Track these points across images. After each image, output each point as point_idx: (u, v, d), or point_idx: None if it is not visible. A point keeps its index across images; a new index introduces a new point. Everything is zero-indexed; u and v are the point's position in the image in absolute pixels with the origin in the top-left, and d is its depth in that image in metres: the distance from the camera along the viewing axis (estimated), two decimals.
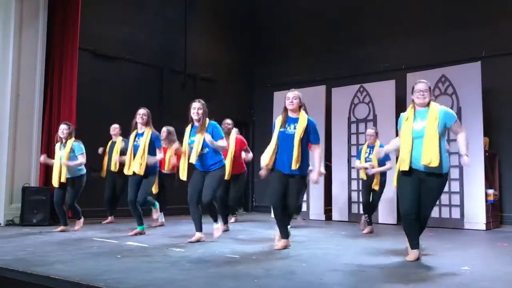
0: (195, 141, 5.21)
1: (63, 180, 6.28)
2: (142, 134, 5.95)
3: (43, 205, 7.16)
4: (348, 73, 9.71)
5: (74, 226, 6.46)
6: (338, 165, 9.07)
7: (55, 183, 6.35)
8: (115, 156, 7.17)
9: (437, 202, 7.87)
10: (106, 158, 7.77)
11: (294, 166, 4.67)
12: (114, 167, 7.50)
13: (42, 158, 6.65)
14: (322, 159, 4.98)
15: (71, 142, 6.33)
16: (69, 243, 5.26)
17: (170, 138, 7.22)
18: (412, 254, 4.28)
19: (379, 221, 8.38)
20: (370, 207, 6.79)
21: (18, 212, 7.21)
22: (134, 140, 5.96)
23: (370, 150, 6.73)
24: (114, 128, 7.79)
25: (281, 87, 10.42)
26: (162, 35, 10.09)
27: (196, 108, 5.32)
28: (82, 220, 6.56)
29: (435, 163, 4.02)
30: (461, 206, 7.60)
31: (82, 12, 7.86)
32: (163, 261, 4.07)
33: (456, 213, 7.64)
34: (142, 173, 5.85)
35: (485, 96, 7.67)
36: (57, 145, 6.47)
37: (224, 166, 5.42)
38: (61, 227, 6.42)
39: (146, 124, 5.96)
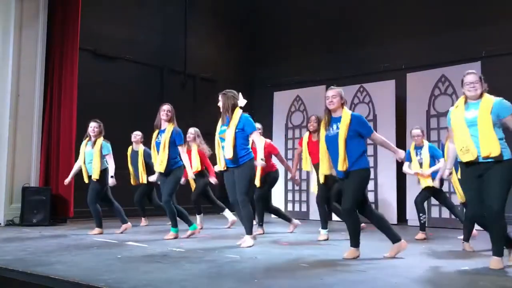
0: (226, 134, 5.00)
1: (92, 176, 6.17)
2: (164, 130, 5.72)
3: (43, 205, 7.17)
4: (348, 73, 9.71)
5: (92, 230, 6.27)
6: None
7: (85, 179, 6.24)
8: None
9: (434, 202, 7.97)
10: (130, 166, 7.46)
11: (341, 167, 4.32)
12: (141, 180, 7.25)
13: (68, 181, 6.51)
14: (387, 140, 4.66)
15: (100, 140, 6.25)
16: (69, 243, 5.26)
17: (198, 140, 7.04)
18: (496, 261, 3.86)
19: None
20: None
21: (18, 212, 7.22)
22: (156, 137, 5.77)
23: (417, 152, 6.29)
24: (136, 136, 7.45)
25: (281, 87, 10.45)
26: (162, 35, 10.09)
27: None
28: (99, 229, 6.24)
29: (495, 152, 3.75)
30: (461, 206, 7.58)
31: (82, 12, 7.87)
32: (163, 261, 4.07)
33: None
34: (163, 170, 5.64)
35: None
36: (84, 142, 6.36)
37: (252, 158, 5.11)
38: (97, 230, 6.21)
39: (169, 120, 5.74)
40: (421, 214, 6.26)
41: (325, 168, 4.83)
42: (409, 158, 6.27)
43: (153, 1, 10.00)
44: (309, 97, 9.60)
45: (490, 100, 3.91)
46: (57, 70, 7.86)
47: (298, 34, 10.86)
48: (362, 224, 6.41)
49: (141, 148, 7.37)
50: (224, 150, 5.04)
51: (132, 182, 7.46)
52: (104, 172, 6.20)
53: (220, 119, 5.25)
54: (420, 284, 3.35)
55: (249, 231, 5.07)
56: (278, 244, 5.44)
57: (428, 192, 6.26)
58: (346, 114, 4.46)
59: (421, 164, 6.24)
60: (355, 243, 4.44)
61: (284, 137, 10.03)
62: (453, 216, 7.62)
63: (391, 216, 8.32)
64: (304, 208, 9.56)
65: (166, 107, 5.77)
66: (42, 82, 7.78)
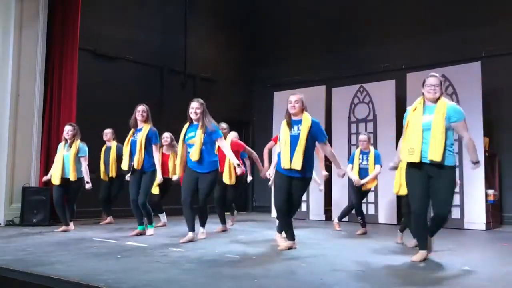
0: (196, 137, 5.24)
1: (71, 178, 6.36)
2: (140, 129, 5.91)
3: (43, 205, 7.16)
4: (348, 73, 9.71)
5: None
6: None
7: (56, 181, 6.37)
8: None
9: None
10: (102, 163, 7.65)
11: (298, 166, 4.64)
12: (111, 173, 7.48)
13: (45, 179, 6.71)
14: (335, 154, 4.91)
15: (77, 143, 6.44)
16: (69, 243, 5.26)
17: (173, 144, 7.22)
18: (419, 255, 4.19)
19: (379, 221, 8.38)
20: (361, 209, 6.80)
21: (18, 212, 7.21)
22: (132, 135, 5.95)
23: (363, 156, 6.60)
24: (106, 134, 7.73)
25: (281, 87, 10.44)
26: (162, 35, 10.09)
27: (195, 108, 5.36)
28: (66, 226, 6.44)
29: (438, 158, 3.94)
30: (461, 206, 7.59)
31: (82, 12, 7.86)
32: (163, 261, 4.07)
33: (456, 213, 7.63)
34: (139, 167, 5.82)
35: (485, 96, 7.67)
36: (61, 144, 6.54)
37: (218, 168, 5.45)
38: (63, 227, 6.42)
39: (145, 120, 5.93)
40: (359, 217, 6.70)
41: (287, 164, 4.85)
42: (352, 161, 6.68)
43: (153, 1, 10.00)
44: (309, 97, 9.52)
45: (444, 104, 4.06)
46: (57, 70, 7.86)
47: (298, 34, 10.86)
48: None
49: (113, 144, 7.62)
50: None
51: (102, 177, 7.63)
52: (80, 178, 6.44)
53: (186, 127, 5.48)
54: (420, 284, 3.35)
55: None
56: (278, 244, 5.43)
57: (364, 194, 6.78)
58: (306, 118, 4.80)
59: (364, 170, 6.57)
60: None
61: None
62: (453, 216, 7.63)
63: (391, 216, 8.32)
64: (304, 208, 9.55)
65: (141, 108, 5.97)
66: (42, 82, 7.77)
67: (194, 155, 5.23)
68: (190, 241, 5.29)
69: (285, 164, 4.71)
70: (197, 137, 5.23)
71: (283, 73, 10.74)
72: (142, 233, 6.01)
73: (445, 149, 3.97)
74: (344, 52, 10.01)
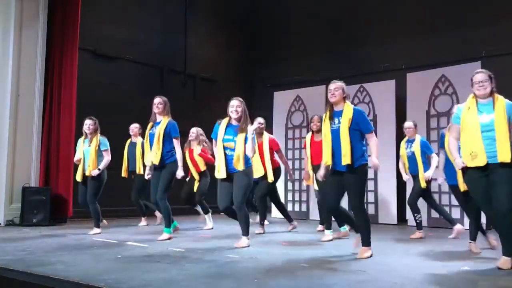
0: (237, 143, 4.85)
1: (87, 174, 6.17)
2: (159, 123, 5.65)
3: (43, 205, 7.16)
4: (348, 73, 9.69)
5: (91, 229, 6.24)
6: None
7: (78, 177, 6.25)
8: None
9: (439, 202, 7.96)
10: (126, 159, 7.51)
11: (345, 161, 4.32)
12: (138, 170, 7.25)
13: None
14: (378, 147, 4.59)
15: (97, 137, 6.27)
16: (69, 243, 5.26)
17: (200, 138, 7.06)
18: (505, 261, 3.89)
19: (379, 221, 8.38)
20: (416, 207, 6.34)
21: (18, 212, 7.21)
22: (150, 129, 5.68)
23: (408, 144, 6.32)
24: (133, 128, 7.57)
25: (281, 87, 10.44)
26: (162, 35, 10.09)
27: (235, 106, 4.96)
28: (98, 229, 6.21)
29: (508, 159, 3.72)
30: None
31: (82, 12, 7.87)
32: (163, 261, 4.07)
33: (456, 213, 7.62)
34: (157, 162, 5.52)
35: None
36: (81, 140, 6.40)
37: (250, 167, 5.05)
38: (95, 230, 6.21)
39: (162, 113, 5.66)
40: (415, 214, 6.31)
41: (328, 160, 4.53)
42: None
43: (153, 1, 10.00)
44: (309, 97, 9.60)
45: (502, 102, 3.89)
46: (57, 70, 7.86)
47: (298, 34, 10.86)
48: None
49: (139, 140, 7.44)
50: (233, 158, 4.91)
51: (123, 174, 7.49)
52: (102, 173, 6.23)
53: (224, 124, 5.04)
54: (420, 284, 3.35)
55: (245, 233, 5.03)
56: (278, 244, 5.44)
57: (420, 192, 6.26)
58: (348, 108, 4.48)
59: (409, 158, 6.26)
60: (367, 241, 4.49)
61: (284, 137, 10.02)
62: (453, 216, 7.62)
63: (391, 216, 8.32)
64: (304, 208, 9.56)
65: (156, 100, 5.69)
66: (42, 82, 7.77)
67: (235, 162, 4.81)
68: (247, 246, 4.99)
69: (327, 160, 4.45)
70: (238, 143, 4.82)
71: (283, 73, 10.73)
72: (169, 237, 5.61)
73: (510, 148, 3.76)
74: (344, 52, 10.01)
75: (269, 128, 9.92)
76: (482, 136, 3.83)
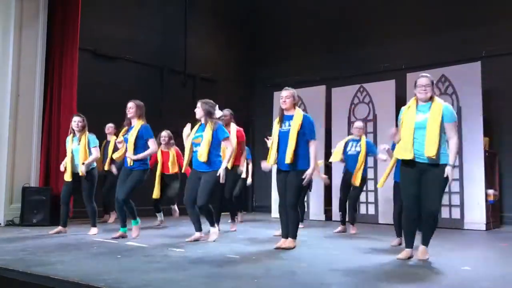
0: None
1: (80, 174, 6.09)
2: (132, 127, 5.71)
3: (43, 205, 7.16)
4: (348, 73, 9.71)
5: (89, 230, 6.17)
6: (338, 165, 9.06)
7: (67, 177, 6.15)
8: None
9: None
10: (101, 158, 7.51)
11: (288, 160, 4.72)
12: (107, 166, 7.53)
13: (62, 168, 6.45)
14: (317, 155, 4.93)
15: (86, 134, 6.18)
16: (69, 243, 5.26)
17: (170, 142, 7.29)
18: (405, 253, 4.29)
19: (379, 221, 8.38)
20: (345, 205, 6.74)
21: (18, 212, 7.21)
22: (125, 133, 5.74)
23: (353, 144, 6.68)
24: (109, 127, 7.88)
25: (281, 87, 10.37)
26: (162, 35, 10.09)
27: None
28: (95, 229, 6.15)
29: (433, 153, 4.02)
30: (461, 206, 7.59)
31: (82, 12, 7.86)
32: (163, 261, 4.07)
33: (456, 213, 7.63)
34: (130, 164, 5.62)
35: (485, 96, 7.67)
36: (69, 138, 6.28)
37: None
38: (59, 228, 6.17)
39: (135, 117, 5.70)
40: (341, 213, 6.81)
41: (272, 160, 4.95)
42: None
43: (153, 1, 10.00)
44: (309, 97, 9.60)
45: (440, 104, 4.15)
46: (57, 70, 7.85)
47: (298, 34, 10.86)
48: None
49: (113, 138, 7.64)
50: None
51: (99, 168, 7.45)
52: (92, 170, 6.20)
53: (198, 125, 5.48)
54: (420, 284, 3.35)
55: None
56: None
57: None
58: (298, 114, 4.88)
59: (354, 156, 6.57)
60: (285, 234, 4.94)
61: None
62: (453, 216, 7.64)
63: (391, 216, 8.30)
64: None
65: (129, 105, 5.75)
66: (42, 82, 7.77)
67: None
68: (197, 240, 5.36)
69: (271, 161, 4.91)
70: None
71: (283, 73, 10.73)
72: (123, 236, 5.70)
73: (439, 147, 4.05)
74: (344, 52, 10.01)
75: (269, 128, 9.95)
76: (414, 133, 4.12)
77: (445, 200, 7.73)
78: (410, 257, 4.28)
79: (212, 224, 5.47)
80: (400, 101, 8.54)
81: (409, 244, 4.30)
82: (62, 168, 6.28)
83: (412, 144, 4.12)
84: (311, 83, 9.85)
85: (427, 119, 4.09)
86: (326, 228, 7.59)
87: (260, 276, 3.49)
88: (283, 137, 4.86)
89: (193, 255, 4.41)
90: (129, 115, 5.74)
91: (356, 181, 6.51)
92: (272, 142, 4.96)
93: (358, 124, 6.81)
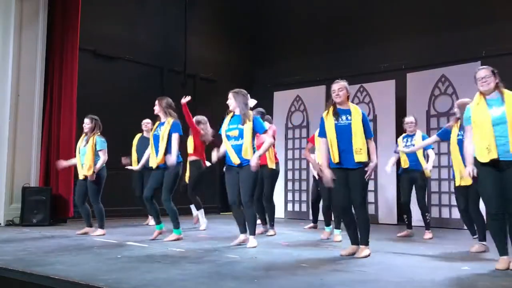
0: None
1: (84, 173, 6.08)
2: (163, 123, 5.63)
3: (43, 205, 7.16)
4: (348, 73, 9.69)
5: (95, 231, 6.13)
6: None
7: (80, 175, 6.16)
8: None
9: (438, 202, 7.97)
10: (135, 153, 7.40)
11: (359, 158, 4.37)
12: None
13: (63, 164, 6.52)
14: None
15: (94, 136, 6.19)
16: (69, 243, 5.26)
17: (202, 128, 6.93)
18: (502, 262, 3.87)
19: (379, 221, 8.38)
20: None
21: (18, 212, 7.21)
22: (155, 130, 5.69)
23: (408, 139, 6.34)
24: (146, 123, 7.43)
25: (281, 87, 10.44)
26: (162, 35, 10.09)
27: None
28: (102, 230, 6.09)
29: None
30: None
31: (82, 12, 7.87)
32: (163, 261, 4.07)
33: (456, 213, 7.60)
34: (163, 161, 5.48)
35: None
36: (81, 138, 6.34)
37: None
38: (85, 229, 6.15)
39: (162, 113, 5.64)
40: (426, 214, 6.30)
41: (337, 158, 4.47)
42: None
43: (153, 1, 10.00)
44: (309, 97, 9.60)
45: (511, 94, 3.85)
46: (57, 70, 7.86)
47: (298, 34, 10.85)
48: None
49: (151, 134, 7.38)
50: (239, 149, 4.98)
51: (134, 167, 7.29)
52: (100, 170, 6.16)
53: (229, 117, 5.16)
54: (420, 284, 3.35)
55: (252, 232, 5.04)
56: (278, 244, 5.44)
57: (425, 189, 6.38)
58: (356, 108, 4.55)
59: (409, 153, 6.21)
60: (355, 241, 4.54)
61: (284, 137, 10.03)
62: (453, 216, 7.63)
63: (391, 216, 8.32)
64: (304, 208, 9.56)
65: (156, 101, 5.71)
66: (42, 82, 7.78)
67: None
68: (243, 242, 5.08)
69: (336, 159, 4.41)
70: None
71: (283, 73, 10.73)
72: (161, 232, 5.71)
73: None
74: (344, 52, 10.01)
75: None
76: (493, 130, 3.78)
77: (445, 200, 7.74)
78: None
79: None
80: (400, 101, 8.56)
81: (503, 251, 3.89)
82: (63, 164, 6.44)
83: (494, 141, 3.75)
84: (311, 83, 9.85)
85: (505, 112, 3.77)
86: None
87: (260, 276, 3.49)
88: (342, 132, 4.43)
89: (193, 255, 4.41)
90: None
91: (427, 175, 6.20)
92: (328, 139, 4.50)
93: (408, 119, 6.44)
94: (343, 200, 4.46)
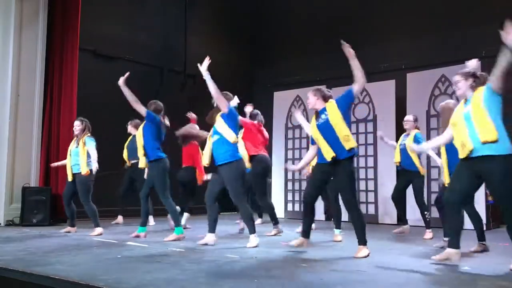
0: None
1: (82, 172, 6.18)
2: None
3: (43, 205, 7.16)
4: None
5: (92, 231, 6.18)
6: None
7: (69, 177, 6.27)
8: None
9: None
10: (126, 153, 7.51)
11: (348, 145, 4.42)
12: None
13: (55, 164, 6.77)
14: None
15: (84, 137, 6.31)
16: (69, 243, 5.26)
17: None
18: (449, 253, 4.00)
19: (379, 221, 8.38)
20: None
21: (18, 212, 7.21)
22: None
23: (404, 138, 6.38)
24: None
25: (281, 87, 10.44)
26: (162, 35, 10.09)
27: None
28: (99, 229, 6.13)
29: (492, 137, 3.69)
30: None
31: (82, 12, 7.87)
32: (163, 261, 4.07)
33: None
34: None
35: None
36: (73, 141, 6.45)
37: (239, 159, 5.10)
38: (67, 228, 6.32)
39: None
40: (426, 212, 6.27)
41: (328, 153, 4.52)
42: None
43: (153, 1, 10.00)
44: None
45: (481, 88, 3.91)
46: (57, 70, 7.86)
47: (298, 34, 10.85)
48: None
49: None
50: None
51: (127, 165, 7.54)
52: (91, 171, 6.21)
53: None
54: (420, 284, 3.35)
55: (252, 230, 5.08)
56: (278, 244, 5.44)
57: (422, 187, 6.37)
58: (329, 103, 4.68)
59: (402, 151, 6.29)
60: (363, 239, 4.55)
61: (284, 137, 10.03)
62: None
63: (391, 216, 8.32)
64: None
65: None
66: (42, 82, 7.78)
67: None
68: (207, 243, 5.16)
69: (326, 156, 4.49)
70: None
71: (283, 73, 10.73)
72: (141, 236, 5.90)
73: (494, 129, 3.72)
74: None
75: (269, 128, 9.94)
76: (465, 124, 3.87)
77: None
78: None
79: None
80: (400, 101, 8.56)
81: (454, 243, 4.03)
82: (55, 165, 6.63)
83: (467, 136, 3.87)
84: (311, 83, 9.82)
85: (469, 110, 3.93)
86: (326, 228, 7.58)
87: (260, 276, 3.49)
88: (324, 128, 4.53)
89: (193, 255, 4.41)
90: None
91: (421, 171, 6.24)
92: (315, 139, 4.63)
93: (406, 117, 6.49)
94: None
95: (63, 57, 7.86)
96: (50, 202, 7.25)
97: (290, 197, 9.84)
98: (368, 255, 4.40)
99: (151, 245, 5.13)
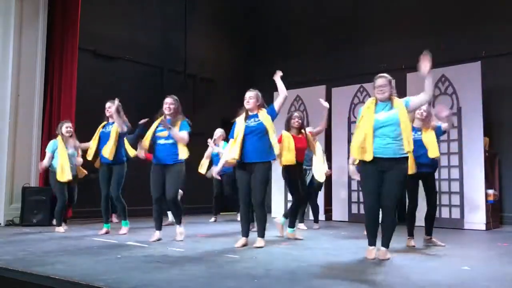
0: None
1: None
2: (113, 123, 6.12)
3: (43, 205, 7.16)
4: (348, 73, 9.71)
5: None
6: (338, 164, 9.07)
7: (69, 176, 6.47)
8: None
9: (438, 202, 7.96)
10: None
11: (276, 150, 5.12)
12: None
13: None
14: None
15: (75, 139, 6.69)
16: (69, 243, 5.26)
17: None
18: (370, 252, 4.31)
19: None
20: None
21: (18, 212, 7.21)
22: (103, 127, 6.24)
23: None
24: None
25: None
26: (162, 35, 10.09)
27: (168, 103, 5.51)
28: (63, 227, 6.42)
29: (410, 148, 4.11)
30: (461, 206, 7.59)
31: (82, 12, 7.88)
32: (163, 261, 4.07)
33: (456, 213, 7.63)
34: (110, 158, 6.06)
35: (485, 96, 7.67)
36: (64, 144, 6.55)
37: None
38: (58, 229, 6.39)
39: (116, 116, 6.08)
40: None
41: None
42: None
43: (153, 1, 10.01)
44: (309, 97, 9.59)
45: (400, 100, 4.26)
46: (57, 70, 7.86)
47: (298, 34, 10.86)
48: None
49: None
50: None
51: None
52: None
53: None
54: (420, 284, 3.35)
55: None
56: (278, 244, 5.44)
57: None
58: (262, 112, 5.17)
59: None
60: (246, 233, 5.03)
61: None
62: (453, 216, 7.63)
63: None
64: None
65: (107, 105, 6.22)
66: (42, 82, 7.78)
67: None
68: (159, 240, 5.38)
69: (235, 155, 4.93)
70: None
71: (283, 73, 10.70)
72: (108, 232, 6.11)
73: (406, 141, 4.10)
74: (344, 52, 10.01)
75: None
76: (373, 132, 4.15)
77: (445, 200, 7.74)
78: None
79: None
80: None
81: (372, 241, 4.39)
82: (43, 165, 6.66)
83: (371, 144, 4.23)
84: (311, 83, 9.85)
85: (389, 117, 4.29)
86: (326, 228, 7.59)
87: (260, 276, 3.49)
88: (252, 131, 5.17)
89: (193, 255, 4.41)
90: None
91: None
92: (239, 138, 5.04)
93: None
94: (245, 196, 5.00)
95: (63, 57, 7.87)
96: (50, 202, 7.24)
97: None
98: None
99: (151, 245, 5.13)
